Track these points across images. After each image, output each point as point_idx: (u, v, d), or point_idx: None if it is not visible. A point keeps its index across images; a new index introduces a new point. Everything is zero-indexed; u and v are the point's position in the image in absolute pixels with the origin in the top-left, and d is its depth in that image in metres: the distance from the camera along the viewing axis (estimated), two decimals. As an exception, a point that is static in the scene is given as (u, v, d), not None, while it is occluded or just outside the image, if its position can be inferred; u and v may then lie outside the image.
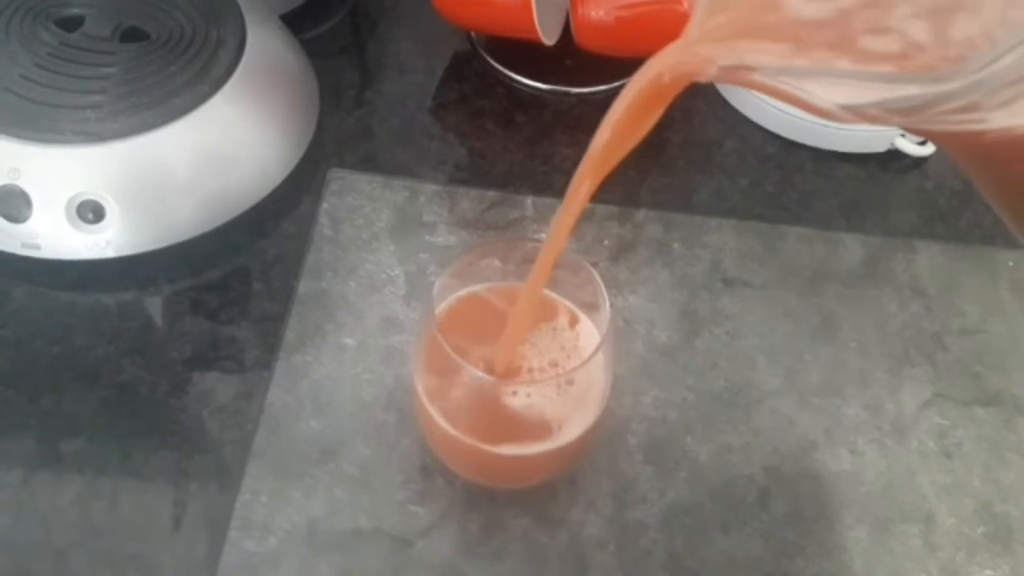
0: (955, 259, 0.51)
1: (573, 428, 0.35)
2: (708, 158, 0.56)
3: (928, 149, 0.56)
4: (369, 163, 0.53)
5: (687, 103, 0.58)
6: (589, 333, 0.38)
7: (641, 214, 0.51)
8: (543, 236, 0.50)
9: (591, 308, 0.38)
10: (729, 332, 0.47)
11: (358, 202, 0.51)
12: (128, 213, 0.44)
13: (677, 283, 0.49)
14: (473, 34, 0.61)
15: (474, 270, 0.37)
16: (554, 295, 0.39)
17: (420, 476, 0.41)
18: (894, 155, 0.56)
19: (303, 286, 0.47)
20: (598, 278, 0.36)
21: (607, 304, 0.35)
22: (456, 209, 0.51)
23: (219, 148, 0.47)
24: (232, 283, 0.47)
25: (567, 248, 0.33)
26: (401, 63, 0.59)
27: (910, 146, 0.56)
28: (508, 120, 0.56)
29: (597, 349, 0.34)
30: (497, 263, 0.38)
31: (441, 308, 0.37)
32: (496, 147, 0.55)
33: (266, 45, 0.51)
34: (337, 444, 0.41)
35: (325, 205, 0.50)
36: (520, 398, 0.35)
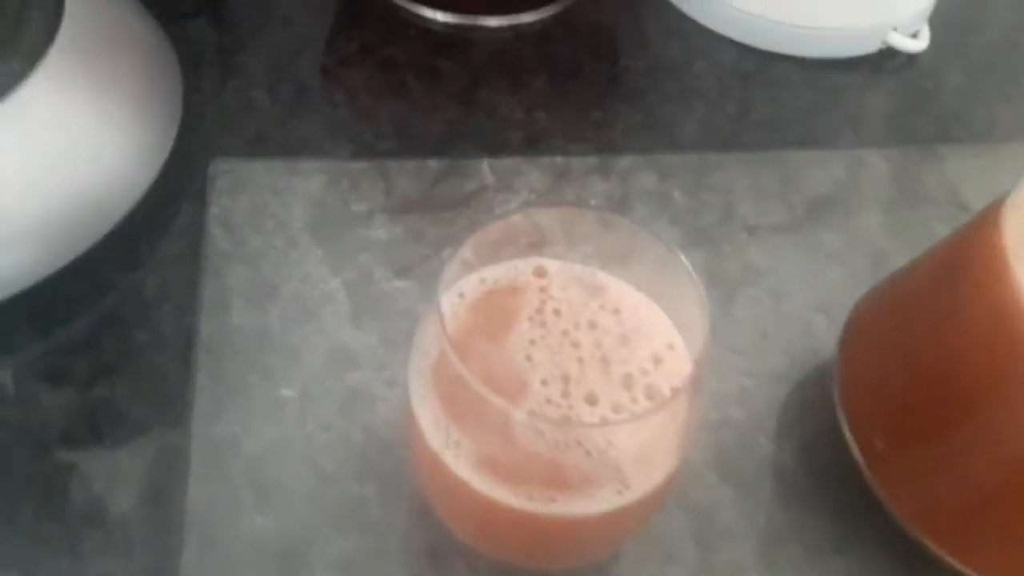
0: (988, 162, 0.43)
1: (651, 474, 0.25)
2: (680, 85, 0.45)
3: (921, 44, 0.48)
4: (260, 145, 0.40)
5: (636, 22, 0.47)
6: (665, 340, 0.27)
7: (625, 161, 0.41)
8: (512, 206, 0.39)
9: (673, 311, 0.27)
10: (770, 291, 0.37)
11: (259, 199, 0.37)
12: (-75, 263, 0.30)
13: (691, 240, 0.38)
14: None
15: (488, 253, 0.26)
16: (629, 288, 0.27)
17: (429, 564, 0.29)
18: (886, 55, 0.48)
19: (205, 326, 0.34)
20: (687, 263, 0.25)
21: (704, 305, 0.24)
22: (393, 190, 0.38)
23: (49, 151, 0.33)
24: (103, 339, 0.33)
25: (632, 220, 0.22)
26: (278, 12, 0.45)
27: (903, 40, 0.47)
28: (430, 69, 0.44)
29: (690, 380, 0.23)
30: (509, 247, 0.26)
31: (450, 312, 0.25)
32: (423, 104, 0.42)
33: (93, 1, 0.37)
34: (301, 544, 0.29)
35: (214, 209, 0.37)
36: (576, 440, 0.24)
